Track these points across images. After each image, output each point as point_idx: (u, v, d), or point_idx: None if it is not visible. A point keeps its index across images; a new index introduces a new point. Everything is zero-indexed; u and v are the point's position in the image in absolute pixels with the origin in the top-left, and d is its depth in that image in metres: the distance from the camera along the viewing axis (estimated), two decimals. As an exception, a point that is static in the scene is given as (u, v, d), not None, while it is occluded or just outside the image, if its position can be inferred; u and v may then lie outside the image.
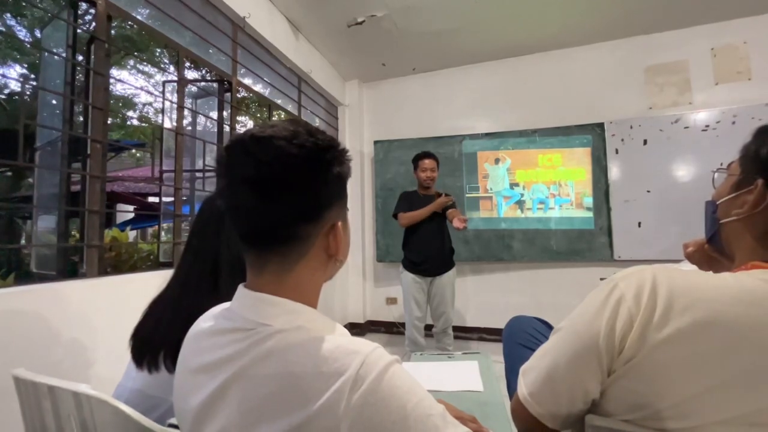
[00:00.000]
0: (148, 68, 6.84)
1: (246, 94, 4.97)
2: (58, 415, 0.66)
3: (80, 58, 1.82)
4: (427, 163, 2.60)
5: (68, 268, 1.73)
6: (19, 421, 0.73)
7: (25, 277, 3.43)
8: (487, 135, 3.61)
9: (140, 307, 0.82)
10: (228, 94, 2.60)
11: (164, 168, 2.44)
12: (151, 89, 6.96)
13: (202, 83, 3.24)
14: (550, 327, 1.01)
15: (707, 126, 3.04)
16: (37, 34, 5.30)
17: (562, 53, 3.52)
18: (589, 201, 3.34)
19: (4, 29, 5.18)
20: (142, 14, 2.26)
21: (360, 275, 3.95)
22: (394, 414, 0.38)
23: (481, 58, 3.69)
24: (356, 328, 3.89)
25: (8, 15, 5.28)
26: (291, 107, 3.42)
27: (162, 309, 0.79)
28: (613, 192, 3.26)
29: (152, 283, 0.84)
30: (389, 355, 0.43)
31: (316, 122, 3.78)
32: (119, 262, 3.41)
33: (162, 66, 6.38)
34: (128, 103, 7.24)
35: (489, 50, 3.54)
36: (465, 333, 3.62)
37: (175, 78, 2.18)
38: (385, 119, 4.07)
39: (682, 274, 0.51)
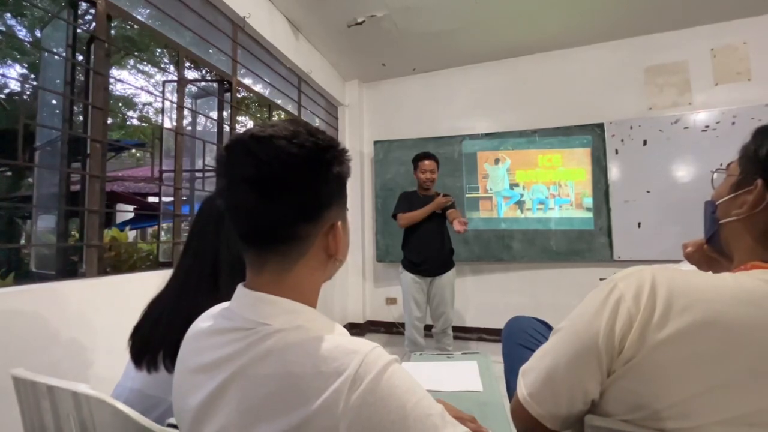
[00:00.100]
0: (148, 68, 6.85)
1: (246, 94, 4.98)
2: (57, 415, 0.66)
3: (80, 57, 1.82)
4: (427, 164, 2.60)
5: (67, 268, 1.73)
6: (18, 421, 0.73)
7: (24, 276, 3.43)
8: (487, 135, 3.61)
9: (139, 306, 0.82)
10: (228, 94, 2.60)
11: (164, 168, 2.44)
12: (151, 89, 6.97)
13: (202, 83, 3.24)
14: (549, 327, 1.01)
15: (707, 126, 3.04)
16: (37, 33, 5.31)
17: (562, 53, 3.52)
18: (588, 201, 3.34)
19: (4, 29, 5.18)
20: (142, 14, 2.26)
21: (360, 275, 3.95)
22: (393, 414, 0.38)
23: (481, 59, 3.70)
24: (356, 328, 3.88)
25: (8, 15, 5.28)
26: (291, 107, 3.43)
27: (161, 309, 0.79)
28: (612, 192, 3.26)
29: (152, 282, 0.84)
30: (388, 355, 0.43)
31: (316, 122, 3.78)
32: (119, 262, 3.41)
33: (162, 66, 6.38)
34: (128, 103, 7.24)
35: (489, 50, 3.54)
36: (464, 333, 3.62)
37: (175, 78, 2.18)
38: (385, 119, 4.07)
39: (681, 275, 0.51)
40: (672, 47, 3.22)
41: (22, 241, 5.27)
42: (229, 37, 2.52)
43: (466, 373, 1.20)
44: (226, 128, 2.59)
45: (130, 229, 5.57)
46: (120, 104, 6.86)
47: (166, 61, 6.26)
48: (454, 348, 2.65)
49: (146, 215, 5.10)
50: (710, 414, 0.45)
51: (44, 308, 1.36)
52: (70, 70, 1.72)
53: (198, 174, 2.69)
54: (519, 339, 0.95)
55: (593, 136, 3.34)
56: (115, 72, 6.11)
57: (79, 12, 1.78)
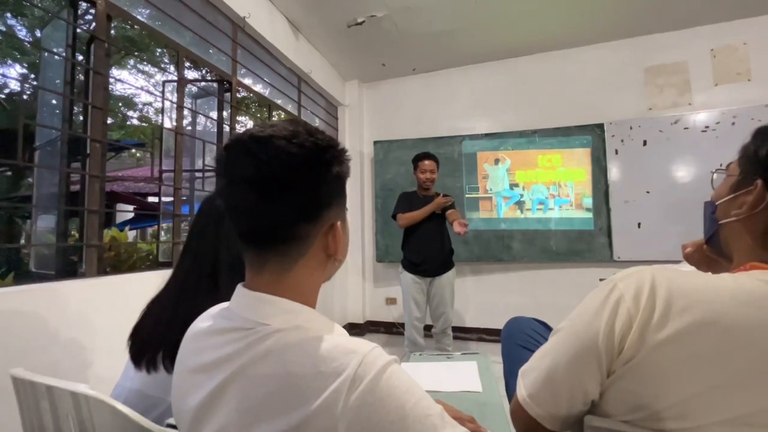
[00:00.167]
0: (148, 68, 6.85)
1: (246, 94, 4.98)
2: (57, 415, 0.66)
3: (80, 57, 1.82)
4: (427, 164, 2.60)
5: (67, 268, 1.73)
6: (17, 421, 0.73)
7: (24, 276, 3.43)
8: (487, 135, 3.62)
9: (139, 306, 0.81)
10: (228, 94, 2.60)
11: (164, 168, 2.44)
12: (151, 89, 6.97)
13: (202, 83, 3.24)
14: (548, 328, 1.01)
15: (707, 127, 3.04)
16: (37, 33, 5.31)
17: (561, 54, 3.53)
18: (588, 202, 3.34)
19: (4, 29, 5.18)
20: (142, 14, 2.26)
21: (359, 275, 3.95)
22: (392, 414, 0.38)
23: (481, 59, 3.70)
24: (356, 329, 3.88)
25: (8, 14, 5.28)
26: (291, 107, 3.43)
27: (161, 309, 0.79)
28: (612, 193, 3.26)
29: (151, 282, 0.84)
30: (387, 355, 0.42)
31: (316, 122, 3.78)
32: (118, 262, 3.41)
33: (162, 66, 6.38)
34: (128, 102, 7.24)
35: (489, 51, 3.54)
36: (464, 333, 3.62)
37: (175, 78, 2.18)
38: (385, 119, 4.07)
39: (680, 275, 0.51)
40: (672, 47, 3.22)
41: (22, 241, 5.27)
42: (229, 37, 2.52)
43: (465, 374, 1.20)
44: (226, 128, 2.59)
45: (130, 229, 5.57)
46: (120, 104, 6.86)
47: (166, 61, 6.26)
48: (453, 348, 2.65)
49: (146, 215, 5.10)
50: (710, 414, 0.45)
51: (44, 308, 1.36)
52: (70, 69, 1.72)
53: (198, 174, 2.69)
54: (518, 339, 0.95)
55: (593, 136, 3.34)
56: (115, 72, 6.11)
57: (79, 12, 1.78)
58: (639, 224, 3.18)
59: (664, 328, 0.47)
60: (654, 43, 3.27)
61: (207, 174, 2.65)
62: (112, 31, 1.82)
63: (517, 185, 3.52)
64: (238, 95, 3.02)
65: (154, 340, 0.74)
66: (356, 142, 4.04)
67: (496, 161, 3.58)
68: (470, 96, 3.79)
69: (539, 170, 3.48)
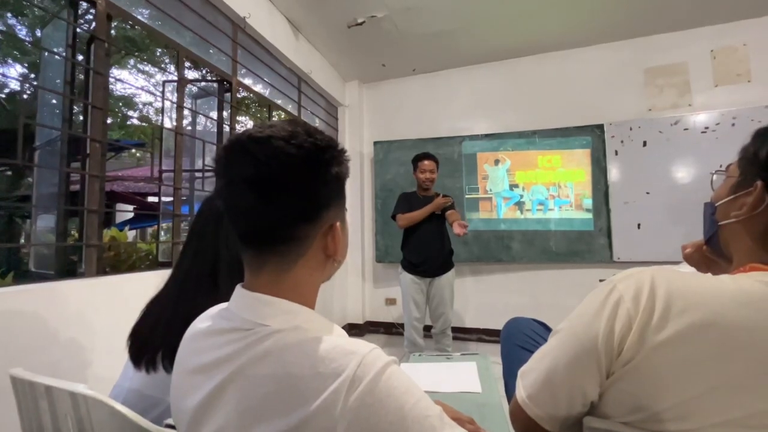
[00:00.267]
0: (148, 68, 6.85)
1: (246, 95, 4.98)
2: (55, 415, 0.66)
3: (80, 57, 1.82)
4: (427, 164, 2.60)
5: (67, 268, 1.73)
6: (16, 421, 0.73)
7: (23, 276, 3.42)
8: (487, 136, 3.62)
9: (138, 306, 0.81)
10: (228, 94, 2.60)
11: (164, 168, 2.43)
12: (151, 89, 6.97)
13: (202, 83, 3.24)
14: (548, 329, 1.01)
15: (707, 128, 3.04)
16: (38, 33, 5.31)
17: (561, 54, 3.53)
18: (588, 202, 3.34)
19: (4, 28, 5.18)
20: (142, 14, 2.26)
21: (359, 276, 3.95)
22: (392, 415, 0.38)
23: (481, 59, 3.70)
24: (355, 329, 3.88)
25: (9, 14, 5.28)
26: (291, 107, 3.43)
27: (160, 309, 0.79)
28: (612, 193, 3.26)
29: (151, 282, 0.83)
30: (386, 356, 0.42)
31: (316, 123, 3.78)
32: (118, 262, 3.40)
33: (162, 66, 6.38)
34: (128, 102, 7.24)
35: (489, 51, 3.54)
36: (464, 334, 3.62)
37: (175, 78, 2.18)
38: (385, 120, 4.07)
39: (680, 276, 0.51)
40: (672, 48, 3.22)
41: (22, 241, 5.27)
42: (230, 37, 2.52)
43: (465, 374, 1.20)
44: (226, 128, 2.59)
45: (130, 229, 5.57)
46: (120, 104, 6.86)
47: (166, 61, 6.26)
48: (453, 349, 2.65)
49: (146, 215, 5.10)
50: (709, 416, 0.45)
51: (43, 308, 1.36)
52: (70, 69, 1.72)
53: (198, 174, 2.69)
54: (518, 340, 0.95)
55: (593, 137, 3.34)
56: (115, 72, 6.11)
57: (80, 12, 1.78)
58: (639, 225, 3.18)
59: (663, 329, 0.47)
60: (654, 44, 3.27)
61: (207, 174, 2.65)
62: (113, 31, 1.82)
63: (516, 186, 3.52)
64: (238, 95, 3.02)
65: (154, 340, 0.74)
66: (356, 142, 4.04)
67: (496, 162, 3.58)
68: (470, 96, 3.79)
69: (539, 171, 3.48)
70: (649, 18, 3.03)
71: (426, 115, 3.92)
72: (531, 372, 0.58)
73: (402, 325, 2.99)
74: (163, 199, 2.40)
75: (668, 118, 3.15)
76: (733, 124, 2.97)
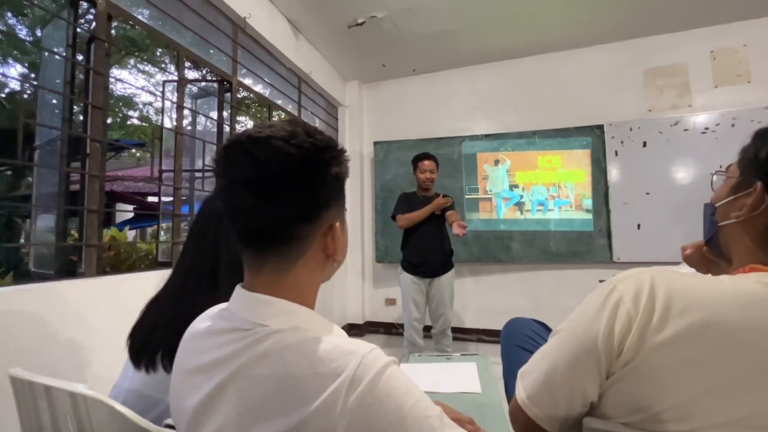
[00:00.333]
0: (148, 68, 6.85)
1: (246, 95, 4.98)
2: (55, 415, 0.66)
3: (80, 57, 1.82)
4: (427, 164, 2.60)
5: (66, 268, 1.73)
6: (15, 421, 0.73)
7: (23, 276, 3.42)
8: (487, 136, 3.62)
9: (138, 306, 0.81)
10: (228, 95, 2.60)
11: (164, 168, 2.44)
12: (151, 89, 6.97)
13: (203, 83, 3.24)
14: (548, 329, 1.01)
15: (706, 128, 3.05)
16: (38, 33, 5.31)
17: (561, 55, 3.53)
18: (588, 203, 3.34)
19: (4, 28, 5.18)
20: (142, 14, 2.26)
21: (359, 276, 3.95)
22: (391, 415, 0.38)
23: (481, 60, 3.70)
24: (355, 329, 3.88)
25: (9, 14, 5.28)
26: (291, 108, 3.43)
27: (160, 309, 0.79)
28: (612, 194, 3.27)
29: (150, 282, 0.83)
30: (386, 356, 0.43)
31: (316, 123, 3.78)
32: (117, 262, 3.40)
33: (162, 66, 6.38)
34: (128, 102, 7.24)
35: (489, 52, 3.54)
36: (464, 334, 3.61)
37: (176, 78, 2.18)
38: (385, 120, 4.08)
39: (680, 277, 0.51)
40: (672, 49, 3.22)
41: (21, 240, 5.26)
42: (230, 37, 2.52)
43: (464, 375, 1.20)
44: (226, 128, 2.59)
45: (129, 229, 5.56)
46: (120, 104, 6.86)
47: (167, 61, 6.26)
48: (453, 349, 2.65)
49: (145, 215, 5.10)
50: (709, 416, 0.45)
51: (43, 308, 1.36)
52: (70, 69, 1.72)
53: (198, 174, 2.69)
54: (518, 341, 0.95)
55: (593, 137, 3.35)
56: (115, 71, 6.11)
57: (80, 11, 1.78)
58: (639, 225, 3.18)
59: (663, 330, 0.47)
60: (654, 45, 3.27)
61: (207, 174, 2.65)
62: (113, 31, 1.82)
63: (516, 186, 3.52)
64: (238, 95, 3.02)
65: (153, 340, 0.74)
66: (356, 142, 4.04)
67: (496, 162, 3.58)
68: (470, 97, 3.79)
69: (539, 171, 3.48)
70: (649, 19, 3.03)
71: (426, 115, 3.92)
72: (531, 372, 0.58)
73: (402, 326, 2.99)
74: (163, 199, 2.40)
75: (668, 119, 3.15)
76: (733, 125, 2.97)
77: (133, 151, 7.25)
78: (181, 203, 2.23)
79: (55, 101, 1.93)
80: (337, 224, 0.50)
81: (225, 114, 2.60)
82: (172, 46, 2.15)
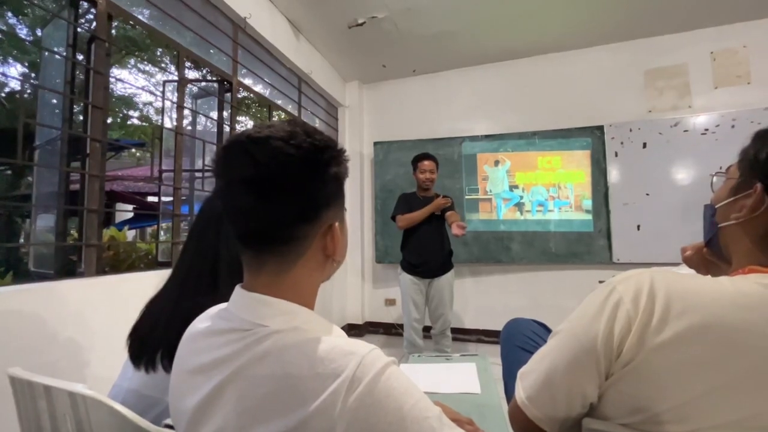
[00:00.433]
0: (148, 68, 6.85)
1: (246, 95, 4.97)
2: (54, 415, 0.66)
3: (81, 57, 1.82)
4: (427, 164, 2.60)
5: (66, 267, 1.73)
6: (14, 421, 0.73)
7: (23, 275, 3.42)
8: (487, 137, 3.62)
9: (138, 306, 0.81)
10: (228, 95, 2.60)
11: (164, 167, 2.44)
12: (151, 89, 6.97)
13: (203, 83, 3.24)
14: (548, 330, 1.01)
15: (706, 130, 3.05)
16: (38, 32, 5.31)
17: (562, 56, 3.53)
18: (588, 204, 3.34)
19: (5, 28, 5.18)
20: (143, 14, 2.26)
21: (359, 276, 3.95)
22: (391, 416, 0.38)
23: (482, 60, 3.70)
24: (355, 329, 3.88)
25: (9, 13, 5.28)
26: (291, 108, 3.43)
27: (160, 308, 0.79)
28: (612, 195, 3.27)
29: (150, 282, 0.83)
30: (386, 357, 0.42)
31: (316, 123, 3.78)
32: (117, 262, 3.40)
33: (162, 66, 6.38)
34: (129, 102, 7.24)
35: (489, 52, 3.54)
36: (463, 335, 3.61)
37: (176, 78, 2.18)
38: (385, 120, 4.08)
39: (679, 278, 0.51)
40: (672, 50, 3.23)
41: (21, 240, 5.26)
42: (230, 37, 2.52)
43: (464, 375, 1.20)
44: (227, 128, 2.59)
45: (129, 229, 5.56)
46: (120, 104, 6.86)
47: (167, 60, 6.26)
48: (452, 349, 2.65)
49: (145, 215, 5.10)
50: (708, 418, 0.45)
51: (42, 308, 1.36)
52: (70, 69, 1.72)
53: (198, 174, 2.69)
54: (517, 341, 0.95)
55: (593, 138, 3.35)
56: (115, 71, 6.11)
57: (80, 11, 1.78)
58: (638, 226, 3.18)
59: (662, 331, 0.47)
60: (654, 46, 3.27)
61: (207, 174, 2.65)
62: (113, 31, 1.82)
63: (516, 187, 3.52)
64: (238, 95, 3.02)
65: (153, 340, 0.74)
66: (356, 143, 4.04)
67: (496, 163, 3.58)
68: (470, 97, 3.79)
69: (539, 172, 3.48)
70: (649, 20, 3.03)
71: (426, 115, 3.92)
72: (530, 373, 0.58)
73: (401, 326, 2.99)
74: (163, 198, 2.40)
75: (668, 120, 3.15)
76: (733, 126, 2.97)
77: (133, 150, 7.25)
78: (180, 203, 2.23)
79: (55, 101, 1.93)
80: (337, 224, 0.50)
81: (225, 114, 2.60)
82: (173, 46, 2.15)
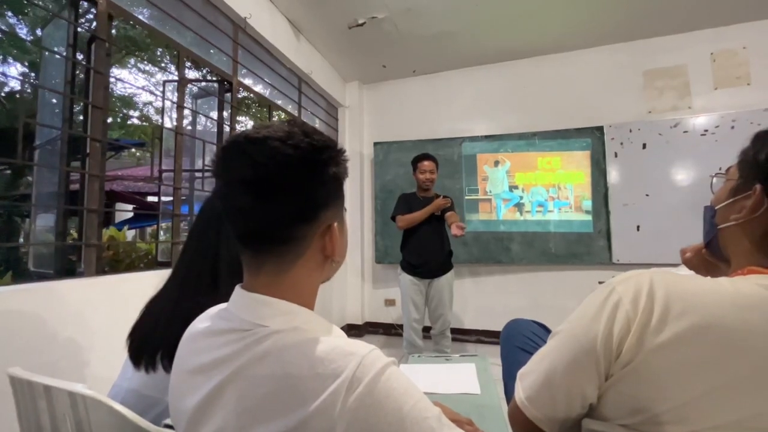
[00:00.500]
0: (148, 68, 6.85)
1: (246, 95, 4.98)
2: (54, 415, 0.66)
3: (81, 57, 1.82)
4: (427, 164, 2.60)
5: (66, 267, 1.73)
6: (14, 421, 0.73)
7: (22, 275, 3.42)
8: (487, 137, 3.62)
9: (138, 306, 0.81)
10: (228, 95, 2.60)
11: (164, 167, 2.44)
12: (151, 89, 6.97)
13: (203, 83, 3.24)
14: (547, 330, 1.01)
15: (706, 130, 3.05)
16: (38, 32, 5.31)
17: (561, 56, 3.53)
18: (588, 204, 3.35)
19: (5, 28, 5.18)
20: (143, 14, 2.26)
21: (359, 276, 3.95)
22: (390, 416, 0.38)
23: (482, 61, 3.70)
24: (354, 330, 3.88)
25: (9, 13, 5.28)
26: (291, 108, 3.43)
27: (160, 308, 0.79)
28: (612, 195, 3.27)
29: (150, 282, 0.83)
30: (386, 357, 0.43)
31: (316, 123, 3.78)
32: (116, 262, 3.40)
33: (162, 66, 6.38)
34: (129, 102, 7.23)
35: (489, 53, 3.55)
36: (463, 335, 3.61)
37: (176, 78, 2.18)
38: (385, 121, 4.08)
39: (679, 279, 0.51)
40: (672, 51, 3.23)
41: (21, 240, 5.26)
42: (230, 37, 2.52)
43: (463, 376, 1.20)
44: (227, 128, 2.59)
45: (129, 229, 5.56)
46: (119, 104, 6.86)
47: (167, 60, 6.26)
48: (452, 350, 2.65)
49: (145, 215, 5.10)
50: (708, 418, 0.45)
51: (42, 307, 1.36)
52: (70, 69, 1.72)
53: (197, 174, 2.69)
54: (517, 342, 0.95)
55: (593, 139, 3.35)
56: (115, 71, 6.11)
57: (80, 11, 1.78)
58: (638, 227, 3.18)
59: (662, 331, 0.47)
60: (654, 47, 3.27)
61: (207, 174, 2.65)
62: (113, 31, 1.82)
63: (516, 187, 3.53)
64: (238, 96, 3.02)
65: (153, 340, 0.74)
66: (356, 143, 4.04)
67: (496, 163, 3.58)
68: (470, 98, 3.80)
69: (539, 172, 3.48)
70: (649, 20, 3.03)
71: (426, 116, 3.92)
72: (530, 374, 0.58)
73: (401, 326, 2.99)
74: (163, 198, 2.40)
75: (668, 121, 3.16)
76: (733, 127, 2.97)
77: (133, 150, 7.25)
78: (180, 203, 2.23)
79: (55, 101, 1.93)
80: (336, 224, 0.50)
81: (225, 114, 2.60)
82: (173, 46, 2.15)
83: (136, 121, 7.58)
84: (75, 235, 2.28)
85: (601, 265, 3.27)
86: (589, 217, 3.33)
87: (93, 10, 1.73)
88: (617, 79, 3.36)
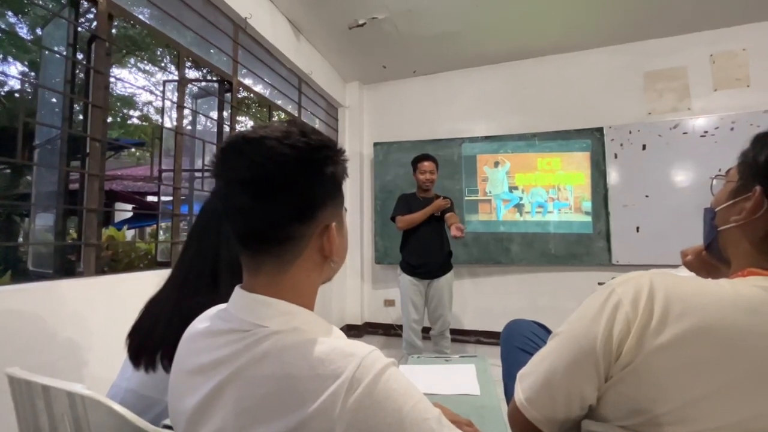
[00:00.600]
0: (149, 67, 6.84)
1: (246, 95, 4.98)
2: (52, 414, 0.66)
3: (81, 56, 1.82)
4: (426, 165, 2.60)
5: (65, 267, 1.72)
6: (13, 421, 0.73)
7: (21, 275, 3.41)
8: (487, 138, 3.62)
9: (137, 306, 0.81)
10: (228, 95, 2.60)
11: (163, 167, 2.43)
12: (151, 88, 6.97)
13: (203, 83, 3.24)
14: (547, 331, 1.01)
15: (706, 132, 3.05)
16: (39, 31, 5.30)
17: (561, 58, 3.54)
18: (587, 205, 3.35)
19: (5, 27, 5.18)
20: (143, 14, 2.26)
21: (358, 277, 3.94)
22: (390, 417, 0.38)
23: (482, 62, 3.71)
24: (354, 330, 3.88)
25: (10, 12, 5.28)
26: (291, 108, 3.43)
27: (160, 308, 0.79)
28: (611, 196, 3.27)
29: (149, 282, 0.83)
30: (385, 358, 0.42)
31: (316, 123, 3.78)
32: (116, 261, 3.40)
33: (162, 65, 6.38)
34: (129, 102, 7.23)
35: (489, 54, 3.55)
36: (462, 336, 3.61)
37: (176, 77, 2.18)
38: (385, 121, 4.08)
39: (679, 280, 0.51)
40: (671, 53, 3.23)
41: (20, 239, 5.25)
42: (230, 37, 2.52)
43: (463, 377, 1.19)
44: (227, 128, 2.59)
45: (128, 228, 5.56)
46: (119, 104, 6.85)
47: (167, 60, 6.26)
48: (452, 351, 2.64)
49: (145, 214, 5.10)
50: (707, 420, 0.45)
51: (41, 307, 1.36)
52: (70, 68, 1.72)
53: (197, 174, 2.69)
54: (517, 342, 0.95)
55: (592, 140, 3.35)
56: (115, 71, 6.10)
57: (81, 11, 1.78)
58: (638, 228, 3.18)
59: (662, 333, 0.47)
60: (653, 48, 3.28)
61: (206, 174, 2.65)
62: (113, 31, 1.82)
63: (516, 188, 3.53)
64: (238, 96, 3.02)
65: (153, 340, 0.74)
66: (356, 143, 4.04)
67: (496, 164, 3.58)
68: (470, 98, 3.80)
69: (539, 173, 3.48)
70: (649, 22, 3.03)
71: (426, 116, 3.92)
72: (530, 374, 0.58)
73: (400, 327, 2.99)
74: (163, 198, 2.39)
75: (667, 122, 3.16)
76: (732, 129, 2.98)
77: (133, 150, 7.25)
78: (180, 203, 2.23)
79: (55, 100, 1.93)
80: (334, 225, 0.50)
81: (225, 114, 2.60)
82: (173, 45, 2.15)
83: (136, 120, 7.57)
84: (74, 234, 2.28)
85: (601, 266, 3.27)
86: (589, 218, 3.34)
87: (93, 9, 1.73)
88: (617, 80, 3.36)
